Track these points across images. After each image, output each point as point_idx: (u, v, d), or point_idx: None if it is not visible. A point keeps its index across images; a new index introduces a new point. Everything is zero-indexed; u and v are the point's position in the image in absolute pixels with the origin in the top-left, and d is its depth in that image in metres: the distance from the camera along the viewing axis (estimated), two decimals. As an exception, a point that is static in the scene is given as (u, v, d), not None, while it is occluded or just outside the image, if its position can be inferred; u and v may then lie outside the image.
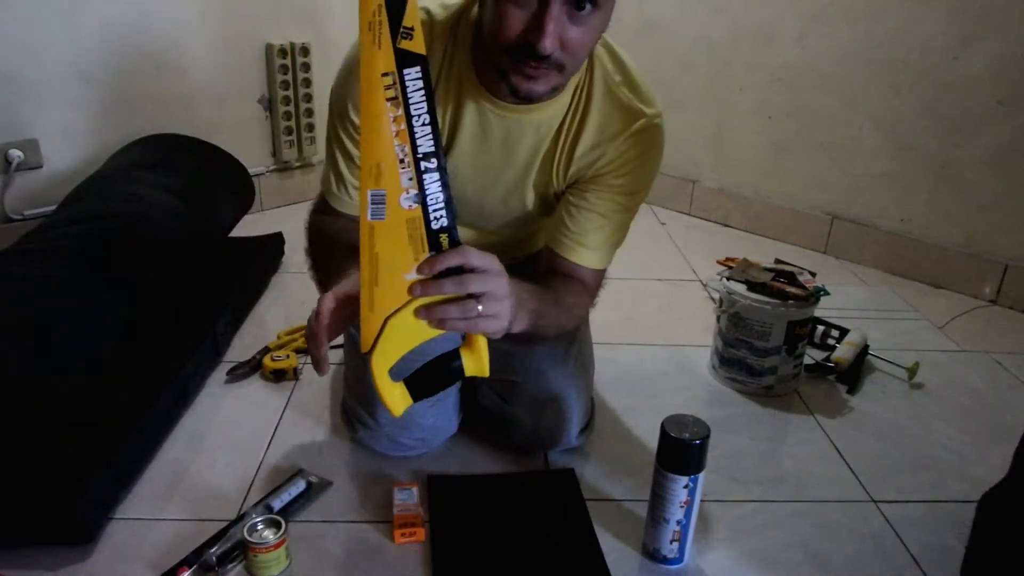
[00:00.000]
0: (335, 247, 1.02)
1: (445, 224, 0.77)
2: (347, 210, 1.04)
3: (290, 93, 2.26)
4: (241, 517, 1.03)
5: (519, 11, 0.83)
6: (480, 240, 1.19)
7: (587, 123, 1.00)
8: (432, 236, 0.77)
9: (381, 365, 0.80)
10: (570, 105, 1.00)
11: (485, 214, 1.12)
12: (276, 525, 0.96)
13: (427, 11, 0.96)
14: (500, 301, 0.79)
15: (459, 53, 0.96)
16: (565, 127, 1.01)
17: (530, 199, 1.08)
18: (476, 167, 1.04)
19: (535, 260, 1.19)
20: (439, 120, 0.94)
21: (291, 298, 1.77)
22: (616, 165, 1.02)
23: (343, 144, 1.00)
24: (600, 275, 1.10)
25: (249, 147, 2.23)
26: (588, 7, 0.83)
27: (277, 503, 1.05)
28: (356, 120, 0.96)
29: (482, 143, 1.01)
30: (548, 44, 0.82)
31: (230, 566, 0.96)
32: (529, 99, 0.91)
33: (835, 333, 1.63)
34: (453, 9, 0.97)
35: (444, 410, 1.18)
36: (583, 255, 1.05)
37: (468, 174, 1.04)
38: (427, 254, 0.77)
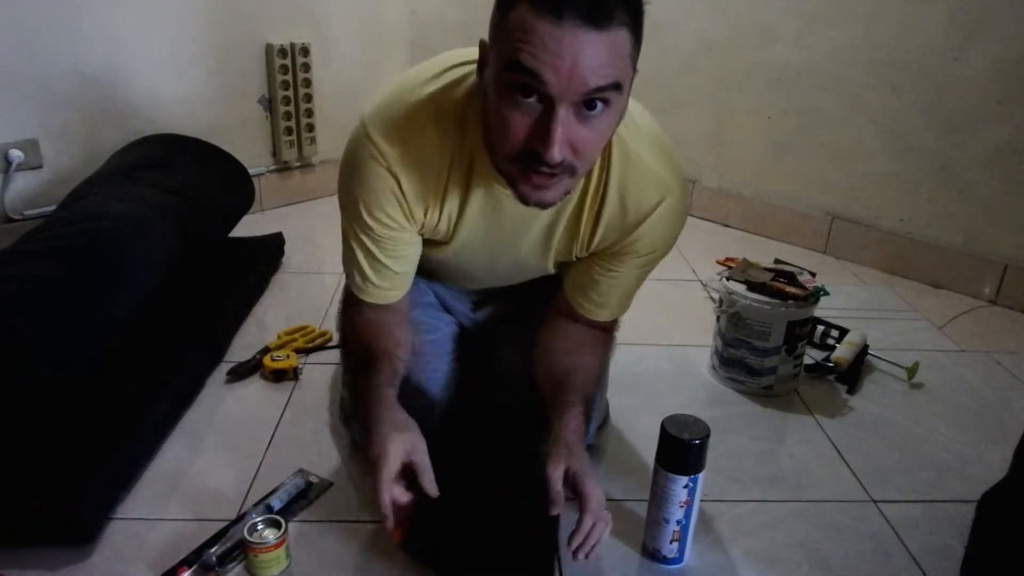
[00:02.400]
0: (369, 351, 1.02)
1: None
2: (374, 300, 1.02)
3: (290, 93, 2.26)
4: (241, 517, 1.03)
5: (522, 117, 0.76)
6: (488, 287, 1.19)
7: (609, 194, 0.94)
8: None
9: None
10: (588, 179, 0.94)
11: (496, 277, 1.13)
12: (276, 525, 0.96)
13: (434, 85, 0.89)
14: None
15: (470, 128, 0.89)
16: (587, 203, 0.96)
17: (549, 263, 1.05)
18: (487, 242, 1.01)
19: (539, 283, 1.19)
20: (450, 203, 0.94)
21: (291, 298, 1.77)
22: (644, 241, 0.98)
23: (361, 241, 0.97)
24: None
25: (249, 147, 2.23)
26: (599, 106, 0.76)
27: (277, 503, 1.05)
28: (368, 221, 0.94)
29: (493, 223, 0.97)
30: (556, 152, 0.75)
31: (230, 566, 0.96)
32: (540, 206, 0.84)
33: (835, 333, 1.63)
34: (464, 76, 0.90)
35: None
36: (606, 314, 1.08)
37: (478, 249, 1.02)
38: None
